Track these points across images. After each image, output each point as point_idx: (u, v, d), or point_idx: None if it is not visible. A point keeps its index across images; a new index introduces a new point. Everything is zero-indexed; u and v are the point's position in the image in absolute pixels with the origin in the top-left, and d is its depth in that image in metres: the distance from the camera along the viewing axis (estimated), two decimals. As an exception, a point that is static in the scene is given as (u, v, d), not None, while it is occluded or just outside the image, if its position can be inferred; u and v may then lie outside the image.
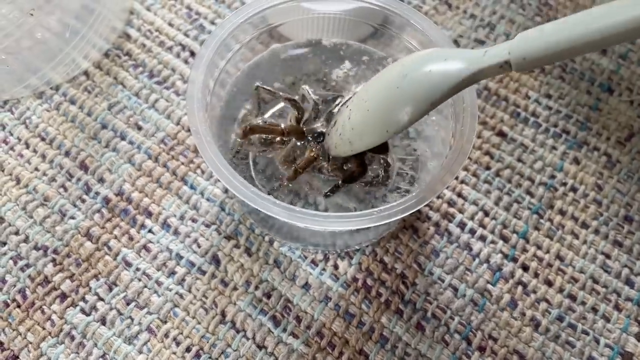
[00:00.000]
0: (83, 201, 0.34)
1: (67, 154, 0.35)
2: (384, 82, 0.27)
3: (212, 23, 0.40)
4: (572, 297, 0.32)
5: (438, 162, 0.30)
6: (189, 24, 0.40)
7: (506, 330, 0.31)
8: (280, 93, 0.31)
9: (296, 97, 0.31)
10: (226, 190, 0.34)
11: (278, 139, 0.30)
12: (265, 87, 0.31)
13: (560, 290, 0.33)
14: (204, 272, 0.32)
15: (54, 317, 0.31)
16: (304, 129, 0.30)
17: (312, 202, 0.31)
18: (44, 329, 0.30)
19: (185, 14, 0.40)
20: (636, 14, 0.20)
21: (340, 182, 0.30)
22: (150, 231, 0.33)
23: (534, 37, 0.22)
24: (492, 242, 0.34)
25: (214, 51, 0.30)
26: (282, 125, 0.30)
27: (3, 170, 0.34)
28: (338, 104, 0.31)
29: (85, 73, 0.38)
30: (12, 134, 0.36)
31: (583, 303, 0.32)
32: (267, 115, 0.32)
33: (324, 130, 0.30)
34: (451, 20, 0.41)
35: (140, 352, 0.30)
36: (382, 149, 0.30)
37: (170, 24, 0.40)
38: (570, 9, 0.42)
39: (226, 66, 0.31)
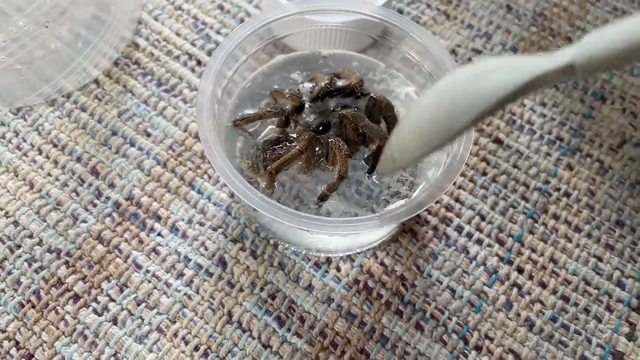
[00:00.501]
0: (94, 205, 0.35)
1: (78, 159, 0.36)
2: (432, 95, 0.25)
3: (218, 33, 0.41)
4: (565, 299, 0.34)
5: (436, 168, 0.32)
6: (196, 33, 0.41)
7: (502, 330, 0.33)
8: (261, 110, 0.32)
9: (276, 107, 0.32)
10: (232, 195, 0.35)
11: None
12: (244, 117, 0.32)
13: (554, 292, 0.34)
14: (211, 274, 0.33)
15: (67, 317, 0.32)
16: (291, 113, 0.31)
17: (314, 209, 0.33)
18: (57, 328, 0.32)
19: (192, 24, 0.42)
20: None
21: (326, 190, 0.30)
22: (159, 234, 0.34)
23: (602, 36, 0.20)
24: (489, 245, 0.35)
25: (222, 62, 0.31)
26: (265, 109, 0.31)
27: (17, 176, 0.36)
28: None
29: (96, 81, 0.39)
30: (25, 141, 0.37)
31: (576, 304, 0.34)
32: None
33: (309, 120, 0.31)
34: (449, 30, 0.43)
35: (151, 351, 0.31)
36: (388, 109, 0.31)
37: (178, 34, 0.41)
38: (565, 19, 0.44)
39: (233, 76, 0.33)
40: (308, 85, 0.33)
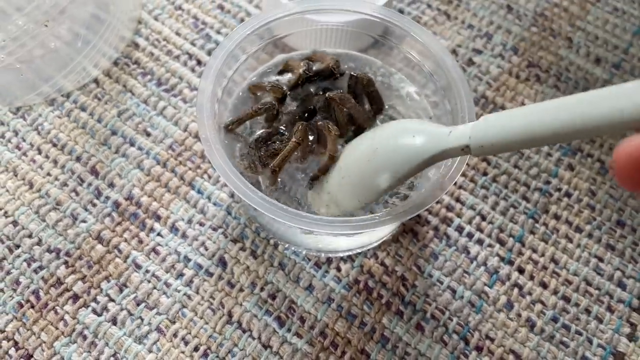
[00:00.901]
0: (94, 205, 0.35)
1: (78, 159, 0.36)
2: (357, 153, 0.28)
3: (218, 32, 0.41)
4: (566, 299, 0.34)
5: (437, 168, 0.32)
6: (196, 33, 0.41)
7: (502, 331, 0.33)
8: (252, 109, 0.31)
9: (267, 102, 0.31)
10: (232, 195, 0.35)
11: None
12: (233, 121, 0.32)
13: (555, 292, 0.34)
14: (211, 274, 0.33)
15: (66, 317, 0.32)
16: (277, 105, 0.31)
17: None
18: (57, 328, 0.31)
19: (192, 24, 0.42)
20: (617, 106, 0.18)
21: (317, 171, 0.30)
22: (159, 234, 0.34)
23: (495, 122, 0.22)
24: (489, 245, 0.35)
25: (222, 62, 0.31)
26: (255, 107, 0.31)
27: (16, 175, 0.35)
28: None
29: (96, 81, 0.39)
30: (24, 140, 0.37)
31: (577, 304, 0.34)
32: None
33: (293, 109, 0.31)
34: (450, 31, 0.43)
35: (150, 351, 0.31)
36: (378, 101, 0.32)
37: (178, 34, 0.41)
38: (565, 19, 0.44)
39: (233, 76, 0.32)
40: (287, 76, 0.33)
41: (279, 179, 0.30)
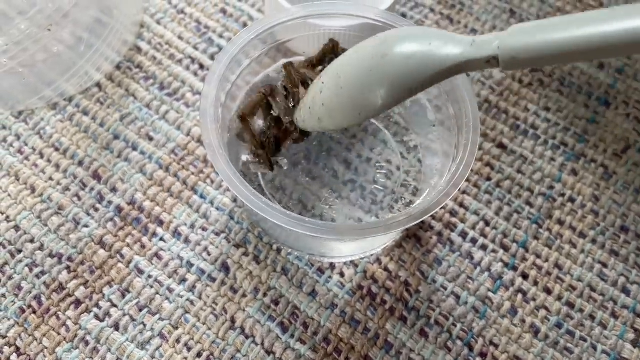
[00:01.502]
0: (96, 210, 0.35)
1: (80, 163, 0.36)
2: (360, 59, 0.24)
3: (221, 36, 0.41)
4: (571, 305, 0.34)
5: (441, 174, 0.31)
6: (198, 37, 0.41)
7: (507, 337, 0.32)
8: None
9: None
10: (235, 200, 0.35)
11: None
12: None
13: (559, 298, 0.34)
14: (214, 280, 0.33)
15: (68, 322, 0.32)
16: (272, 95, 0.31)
17: (319, 214, 0.32)
18: (59, 334, 0.31)
19: (195, 28, 0.42)
20: None
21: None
22: (161, 239, 0.34)
23: (529, 33, 0.20)
24: (493, 251, 0.35)
25: (225, 66, 0.31)
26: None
27: (18, 180, 0.35)
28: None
29: (98, 85, 0.39)
30: (26, 144, 0.37)
31: (581, 310, 0.33)
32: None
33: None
34: (453, 35, 0.43)
35: (153, 357, 0.31)
36: None
37: (180, 37, 0.41)
38: (568, 24, 0.44)
39: (237, 80, 0.32)
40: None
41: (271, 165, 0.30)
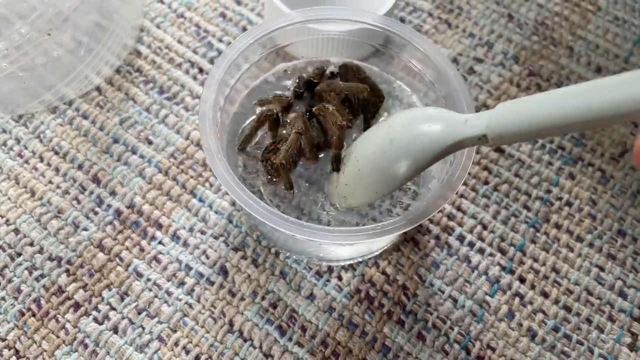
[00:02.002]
0: (96, 213, 0.35)
1: (80, 167, 0.36)
2: (373, 144, 0.27)
3: (220, 41, 0.41)
4: (567, 309, 0.34)
5: (438, 177, 0.32)
6: (198, 41, 0.41)
7: (504, 340, 0.32)
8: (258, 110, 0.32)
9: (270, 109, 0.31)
10: (234, 203, 0.35)
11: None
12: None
13: (556, 302, 0.34)
14: (212, 283, 0.33)
15: (67, 325, 0.32)
16: (279, 113, 0.31)
17: (316, 218, 0.32)
18: (58, 337, 0.31)
19: (194, 32, 0.42)
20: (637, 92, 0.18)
21: (334, 154, 0.30)
22: (160, 243, 0.34)
23: (514, 111, 0.22)
24: (491, 254, 0.35)
25: (224, 70, 0.31)
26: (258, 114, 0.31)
27: (18, 183, 0.36)
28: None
29: (98, 89, 0.39)
30: (26, 148, 0.37)
31: (578, 314, 0.34)
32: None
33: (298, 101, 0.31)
34: (451, 39, 0.43)
35: (151, 360, 0.31)
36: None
37: (180, 42, 0.41)
38: (566, 28, 0.44)
39: (236, 84, 0.33)
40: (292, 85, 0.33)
41: (293, 182, 0.30)
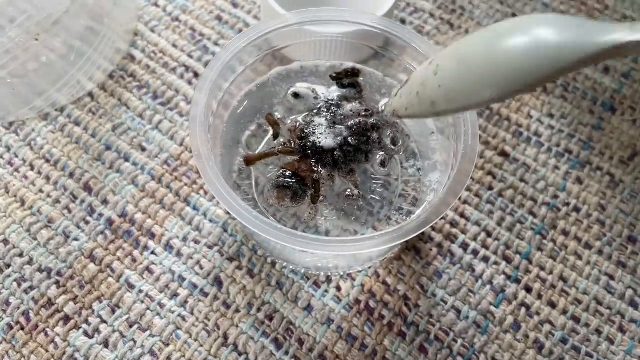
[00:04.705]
0: (87, 223, 0.34)
1: (71, 175, 0.35)
2: (493, 36, 0.22)
3: (216, 44, 0.40)
4: (576, 319, 0.32)
5: (440, 183, 0.30)
6: (193, 45, 0.40)
7: (510, 353, 0.31)
8: (278, 148, 0.31)
9: (288, 143, 0.31)
10: (228, 212, 0.34)
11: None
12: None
13: (564, 312, 0.32)
14: (206, 294, 0.32)
15: (57, 339, 0.31)
16: (295, 148, 0.30)
17: (313, 226, 0.31)
18: (47, 351, 0.30)
19: (189, 35, 0.41)
20: None
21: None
22: (153, 253, 0.33)
23: None
24: (495, 263, 0.34)
25: (217, 73, 0.30)
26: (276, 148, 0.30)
27: (8, 192, 0.35)
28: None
29: (90, 94, 0.38)
30: (17, 156, 0.36)
31: (587, 325, 0.32)
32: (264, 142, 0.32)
33: (323, 146, 0.30)
34: (453, 40, 0.42)
35: (143, 375, 0.30)
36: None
37: (174, 45, 0.40)
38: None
39: (230, 88, 0.32)
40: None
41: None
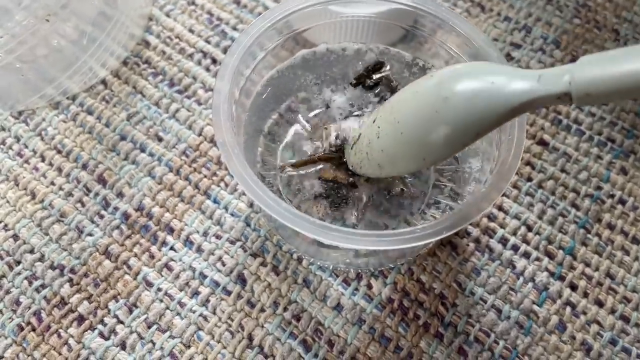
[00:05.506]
0: (101, 217, 0.32)
1: (84, 167, 0.33)
2: (419, 102, 0.23)
3: (234, 29, 0.38)
4: (625, 319, 0.30)
5: (480, 175, 0.28)
6: (210, 30, 0.38)
7: (555, 355, 0.29)
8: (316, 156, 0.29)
9: (330, 151, 0.29)
10: (252, 205, 0.32)
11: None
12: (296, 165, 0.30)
13: (612, 311, 0.30)
14: (229, 292, 0.30)
15: (70, 341, 0.29)
16: (335, 155, 0.29)
17: (340, 218, 0.29)
18: (60, 354, 0.29)
19: (206, 20, 0.39)
20: None
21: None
22: (172, 248, 0.31)
23: (601, 64, 0.18)
24: (537, 259, 0.31)
25: (239, 59, 0.28)
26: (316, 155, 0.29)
27: (18, 185, 0.33)
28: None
29: (103, 82, 0.36)
30: (27, 147, 0.34)
31: (637, 325, 0.30)
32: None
33: None
34: (485, 23, 0.39)
35: (163, 379, 0.28)
36: None
37: (191, 30, 0.38)
38: (610, 10, 0.40)
39: (251, 75, 0.30)
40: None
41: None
